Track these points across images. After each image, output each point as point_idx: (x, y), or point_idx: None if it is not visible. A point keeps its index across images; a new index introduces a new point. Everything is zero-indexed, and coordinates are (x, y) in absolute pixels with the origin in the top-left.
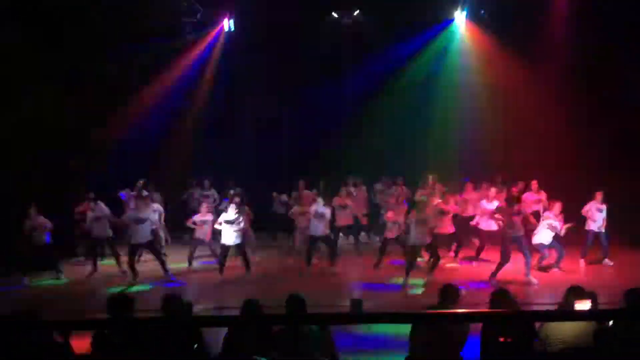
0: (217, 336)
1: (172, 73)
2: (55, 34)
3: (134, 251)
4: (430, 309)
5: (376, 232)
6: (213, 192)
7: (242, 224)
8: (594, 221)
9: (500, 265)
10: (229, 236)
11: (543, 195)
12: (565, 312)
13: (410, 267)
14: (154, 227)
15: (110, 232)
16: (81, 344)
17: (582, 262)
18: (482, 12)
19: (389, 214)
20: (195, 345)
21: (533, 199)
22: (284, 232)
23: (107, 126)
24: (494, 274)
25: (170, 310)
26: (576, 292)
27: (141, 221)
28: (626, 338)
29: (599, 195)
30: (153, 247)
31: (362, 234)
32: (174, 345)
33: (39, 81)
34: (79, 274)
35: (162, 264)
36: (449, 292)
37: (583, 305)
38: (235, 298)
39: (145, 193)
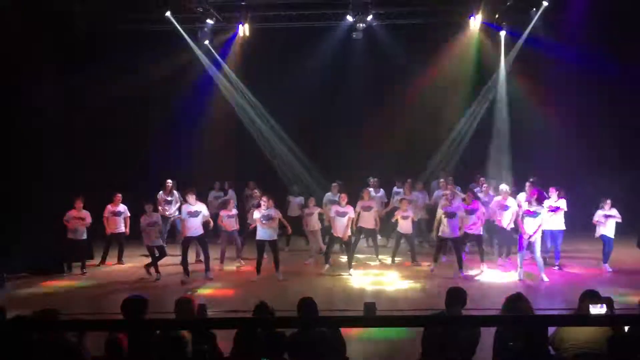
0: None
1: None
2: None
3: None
4: (438, 314)
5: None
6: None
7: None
8: (605, 227)
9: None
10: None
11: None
12: (580, 317)
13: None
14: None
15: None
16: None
17: (606, 267)
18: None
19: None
20: (206, 347)
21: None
22: (300, 236)
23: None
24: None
25: (183, 313)
26: (591, 296)
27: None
28: None
29: (605, 205)
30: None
31: (378, 237)
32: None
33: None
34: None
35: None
36: (456, 295)
37: (598, 310)
38: (248, 301)
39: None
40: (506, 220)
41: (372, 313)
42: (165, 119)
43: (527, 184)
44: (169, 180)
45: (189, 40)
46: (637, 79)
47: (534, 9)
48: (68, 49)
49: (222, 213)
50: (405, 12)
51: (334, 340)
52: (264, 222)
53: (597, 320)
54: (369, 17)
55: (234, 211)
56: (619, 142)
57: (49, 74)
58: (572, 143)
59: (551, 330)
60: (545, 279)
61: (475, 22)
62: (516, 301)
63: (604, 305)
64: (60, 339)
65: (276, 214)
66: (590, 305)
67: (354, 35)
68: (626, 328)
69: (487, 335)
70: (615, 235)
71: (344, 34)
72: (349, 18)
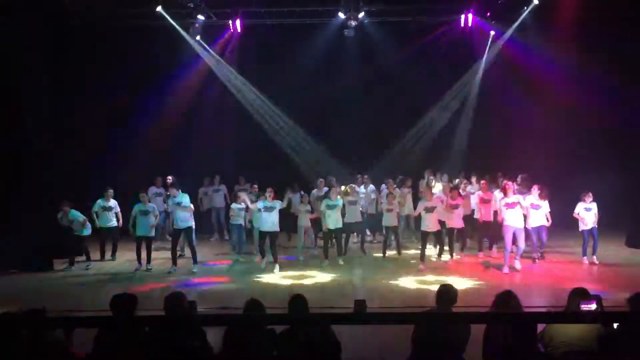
0: (219, 335)
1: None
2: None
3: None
4: (428, 311)
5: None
6: (223, 188)
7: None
8: (585, 222)
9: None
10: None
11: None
12: (569, 314)
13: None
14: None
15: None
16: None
17: (584, 259)
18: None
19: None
20: (197, 344)
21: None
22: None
23: (124, 126)
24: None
25: (173, 309)
26: (580, 294)
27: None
28: (631, 342)
29: (586, 197)
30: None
31: (368, 232)
32: (176, 344)
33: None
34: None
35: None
36: (446, 293)
37: (588, 307)
38: (239, 298)
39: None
40: (488, 214)
41: (362, 310)
42: (161, 115)
43: (502, 178)
44: (169, 177)
45: (183, 33)
46: (632, 78)
47: (525, 8)
48: (64, 47)
49: (234, 206)
50: (396, 9)
51: (325, 338)
52: (264, 212)
53: (587, 317)
54: (361, 15)
55: (244, 205)
56: (611, 141)
57: (46, 72)
58: (563, 142)
59: (540, 327)
60: (518, 266)
61: (466, 21)
62: (506, 298)
63: (594, 303)
64: (48, 336)
65: (280, 206)
66: (580, 303)
67: (346, 33)
68: (615, 325)
69: (477, 332)
70: (604, 234)
71: (336, 31)
72: (341, 15)
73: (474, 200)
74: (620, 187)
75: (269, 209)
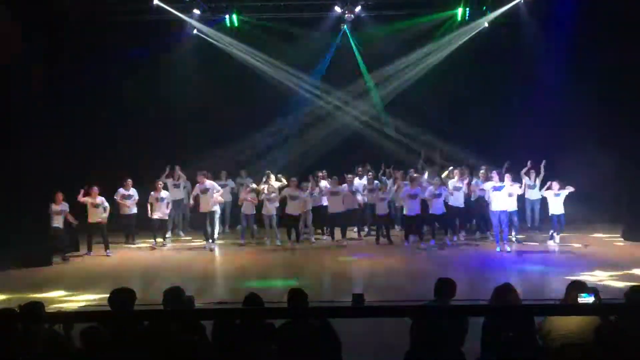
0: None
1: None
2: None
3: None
4: (428, 305)
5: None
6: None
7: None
8: (553, 206)
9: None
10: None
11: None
12: (567, 307)
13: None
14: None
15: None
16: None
17: (557, 238)
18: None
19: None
20: (196, 339)
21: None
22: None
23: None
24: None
25: (171, 304)
26: (578, 286)
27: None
28: (629, 334)
29: (554, 185)
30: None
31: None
32: (175, 338)
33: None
34: None
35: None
36: (445, 287)
37: (586, 299)
38: (238, 290)
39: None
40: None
41: (360, 304)
42: (159, 109)
43: (483, 167)
44: (177, 167)
45: (189, 20)
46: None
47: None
48: (59, 40)
49: (243, 196)
50: (393, 2)
51: (324, 331)
52: (290, 200)
53: (585, 309)
54: (358, 8)
55: (252, 195)
56: (609, 134)
57: (41, 66)
58: (560, 134)
59: (538, 320)
60: (508, 249)
61: (462, 13)
62: (504, 291)
63: (592, 295)
64: (47, 331)
65: (301, 194)
66: (578, 295)
67: (343, 26)
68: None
69: (476, 325)
70: (601, 226)
71: (333, 24)
72: (337, 9)
73: (450, 187)
74: (617, 180)
75: (293, 198)
